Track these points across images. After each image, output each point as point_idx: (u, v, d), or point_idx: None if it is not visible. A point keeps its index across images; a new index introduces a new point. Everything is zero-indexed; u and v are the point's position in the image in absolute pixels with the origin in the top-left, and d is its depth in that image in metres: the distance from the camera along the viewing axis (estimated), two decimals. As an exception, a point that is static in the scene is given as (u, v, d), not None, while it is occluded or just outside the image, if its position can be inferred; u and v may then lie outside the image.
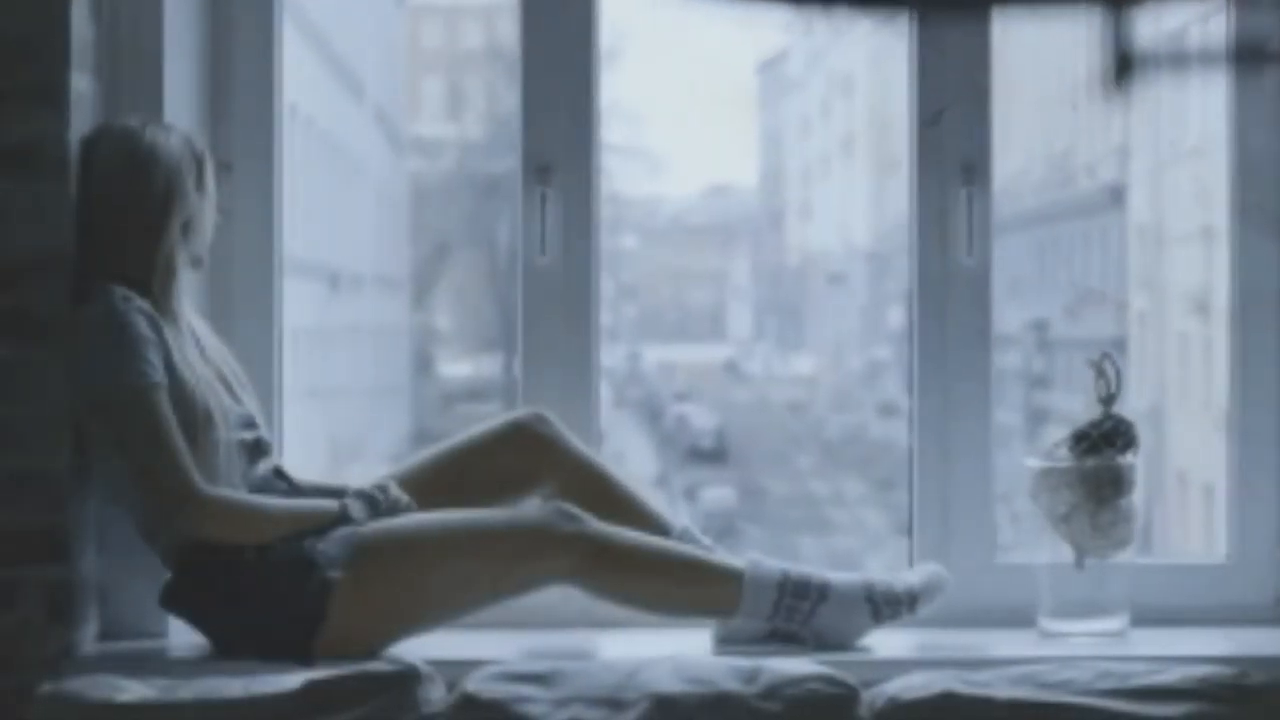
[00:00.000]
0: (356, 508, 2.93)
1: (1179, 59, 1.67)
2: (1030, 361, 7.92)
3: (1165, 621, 3.18)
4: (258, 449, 2.98)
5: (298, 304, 3.56)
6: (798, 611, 2.99)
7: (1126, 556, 3.12)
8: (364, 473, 3.49)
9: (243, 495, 2.91)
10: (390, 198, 8.26)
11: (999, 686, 2.77)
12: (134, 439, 2.83)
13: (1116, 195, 7.73)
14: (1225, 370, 3.34)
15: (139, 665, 2.84)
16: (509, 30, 3.45)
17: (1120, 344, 7.41)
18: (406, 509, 2.97)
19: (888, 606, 3.02)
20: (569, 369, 3.26)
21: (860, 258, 9.50)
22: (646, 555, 2.96)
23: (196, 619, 2.93)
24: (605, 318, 3.34)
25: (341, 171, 7.57)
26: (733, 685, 2.76)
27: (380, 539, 2.88)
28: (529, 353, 3.27)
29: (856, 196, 9.59)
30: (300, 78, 4.13)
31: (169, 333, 2.90)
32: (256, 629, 2.86)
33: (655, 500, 3.15)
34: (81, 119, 2.95)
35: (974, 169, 3.27)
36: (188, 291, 3.03)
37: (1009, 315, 7.46)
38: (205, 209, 3.00)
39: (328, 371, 7.09)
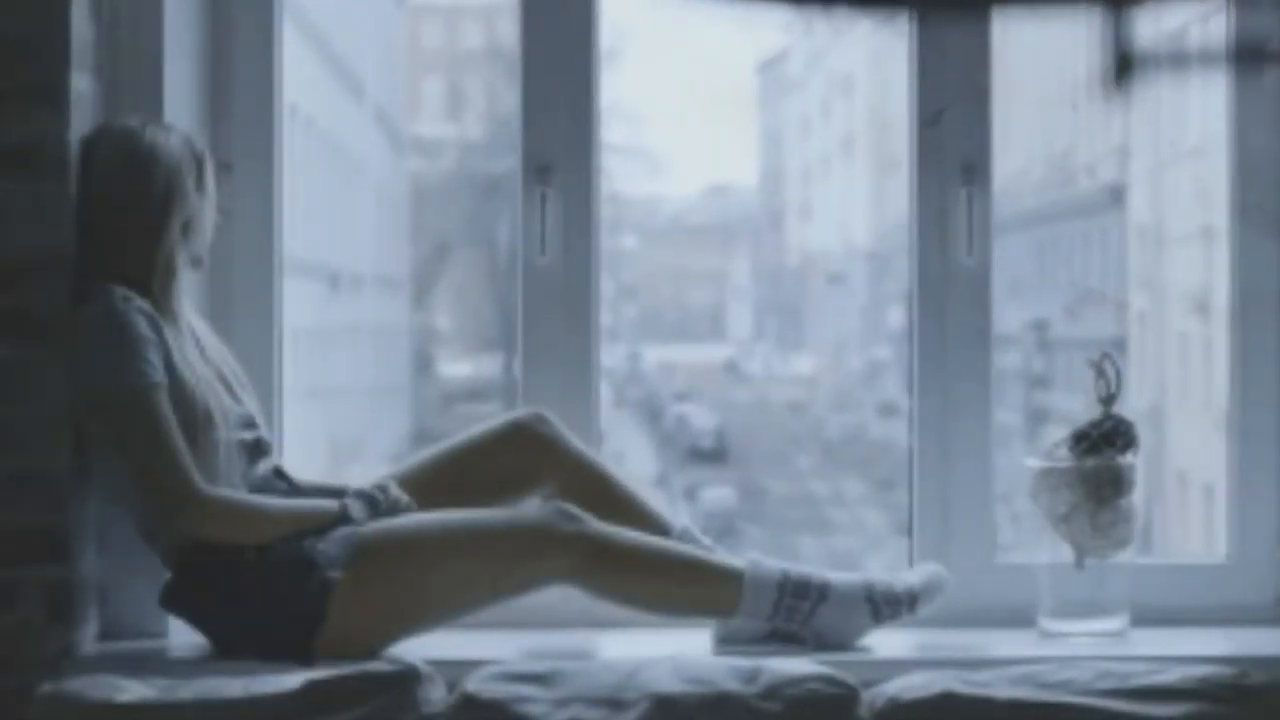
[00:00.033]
0: (356, 508, 2.92)
1: (1179, 59, 1.67)
2: (1030, 361, 7.92)
3: (1165, 621, 3.18)
4: (258, 449, 2.98)
5: (298, 304, 3.56)
6: (798, 611, 2.98)
7: (1126, 556, 3.12)
8: (364, 473, 3.49)
9: (243, 495, 2.91)
10: (390, 198, 8.25)
11: (999, 686, 2.77)
12: (134, 439, 2.83)
13: (1116, 195, 7.72)
14: (1225, 370, 3.34)
15: (139, 665, 2.84)
16: (509, 30, 3.44)
17: (1120, 344, 7.41)
18: (406, 509, 2.97)
19: (888, 606, 3.02)
20: (569, 369, 3.26)
21: (860, 258, 9.50)
22: (646, 555, 2.96)
23: (196, 619, 2.93)
24: (605, 318, 3.33)
25: (341, 171, 7.57)
26: (733, 685, 2.75)
27: (380, 539, 2.88)
28: (529, 353, 3.27)
29: (856, 196, 9.58)
30: (300, 78, 4.13)
31: (169, 333, 2.89)
32: (256, 629, 2.86)
33: (655, 500, 3.15)
34: (81, 119, 2.95)
35: (974, 169, 3.27)
36: (188, 291, 3.03)
37: (1009, 315, 7.46)
38: (205, 209, 3.00)
39: (328, 371, 7.09)
